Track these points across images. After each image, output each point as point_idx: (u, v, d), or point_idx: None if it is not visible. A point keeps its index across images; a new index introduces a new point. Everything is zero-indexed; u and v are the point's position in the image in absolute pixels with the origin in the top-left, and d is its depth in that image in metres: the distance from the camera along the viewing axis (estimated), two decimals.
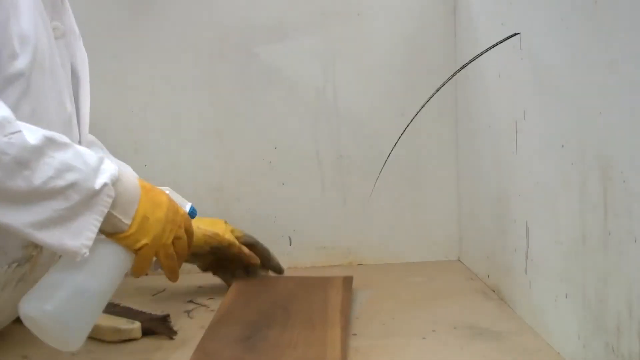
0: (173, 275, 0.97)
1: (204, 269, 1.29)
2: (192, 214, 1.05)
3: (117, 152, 1.38)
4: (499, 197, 1.19)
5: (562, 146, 0.92)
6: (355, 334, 1.05)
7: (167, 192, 1.00)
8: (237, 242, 1.24)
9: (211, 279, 1.36)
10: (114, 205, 0.85)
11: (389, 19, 1.42)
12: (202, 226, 1.21)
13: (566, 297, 0.93)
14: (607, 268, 0.82)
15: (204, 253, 1.23)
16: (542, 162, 1.00)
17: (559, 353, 0.96)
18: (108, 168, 0.86)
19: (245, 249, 1.25)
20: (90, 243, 0.83)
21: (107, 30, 1.38)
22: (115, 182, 0.86)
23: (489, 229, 1.26)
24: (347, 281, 1.23)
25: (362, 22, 1.42)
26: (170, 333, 1.06)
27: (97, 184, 0.83)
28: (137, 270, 0.92)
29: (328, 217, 1.45)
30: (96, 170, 0.84)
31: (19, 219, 0.79)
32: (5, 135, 0.78)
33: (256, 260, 1.26)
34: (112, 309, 1.12)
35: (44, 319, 0.83)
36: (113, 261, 0.89)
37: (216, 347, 0.98)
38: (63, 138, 0.84)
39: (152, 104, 1.41)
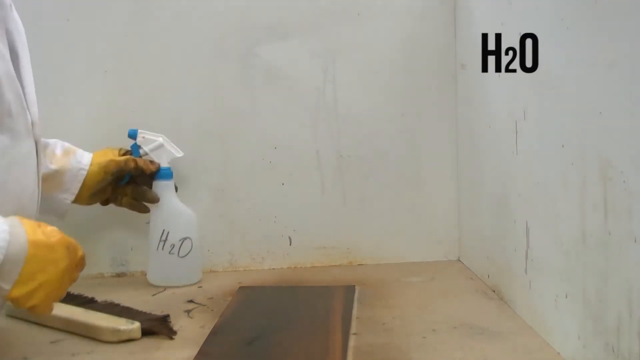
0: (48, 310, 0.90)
1: (105, 201, 1.32)
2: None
3: None
4: (499, 197, 1.19)
5: (562, 146, 0.92)
6: (355, 334, 1.05)
7: (161, 139, 1.27)
8: (130, 157, 1.28)
9: (211, 279, 1.36)
10: None
11: (389, 19, 1.42)
12: (96, 160, 1.25)
13: (566, 297, 0.93)
14: (607, 268, 0.82)
15: (106, 185, 1.27)
16: (542, 162, 1.00)
17: (559, 353, 0.96)
18: None
19: (140, 160, 1.28)
20: None
21: (108, 30, 1.38)
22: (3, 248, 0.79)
23: (489, 229, 1.26)
24: (349, 291, 1.24)
25: (362, 22, 1.42)
26: (170, 333, 1.06)
27: None
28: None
29: (328, 217, 1.45)
30: None
31: None
32: None
33: (153, 165, 1.30)
34: (112, 309, 1.12)
35: None
36: None
37: (218, 351, 0.98)
38: None
39: (152, 104, 1.41)
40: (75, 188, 1.23)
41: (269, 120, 1.43)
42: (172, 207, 1.30)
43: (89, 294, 1.20)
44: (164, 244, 1.30)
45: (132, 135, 1.32)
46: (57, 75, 1.37)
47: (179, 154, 1.33)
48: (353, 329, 1.07)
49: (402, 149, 1.45)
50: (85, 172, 1.24)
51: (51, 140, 1.23)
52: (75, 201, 1.25)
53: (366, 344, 1.01)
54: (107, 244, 1.43)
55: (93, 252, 1.41)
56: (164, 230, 1.30)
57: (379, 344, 1.01)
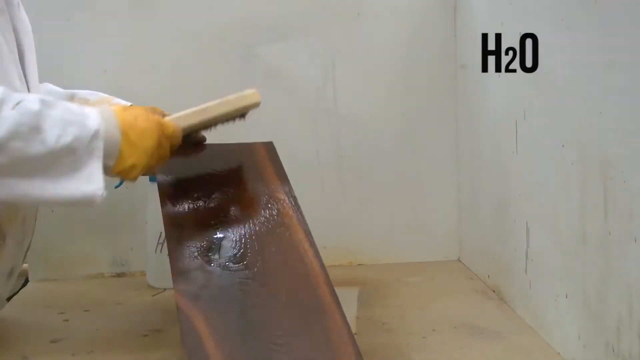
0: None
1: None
2: None
3: None
4: (499, 197, 1.19)
5: (562, 146, 0.92)
6: (355, 334, 1.05)
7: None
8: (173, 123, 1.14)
9: None
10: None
11: (389, 19, 1.42)
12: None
13: (566, 297, 0.93)
14: (607, 268, 0.82)
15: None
16: (542, 162, 1.00)
17: (559, 353, 0.96)
18: (91, 114, 0.87)
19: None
20: (102, 184, 0.85)
21: (108, 30, 1.38)
22: (102, 126, 0.86)
23: (489, 229, 1.26)
24: (269, 146, 1.17)
25: (362, 22, 1.42)
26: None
27: (90, 132, 0.85)
28: None
29: (328, 217, 1.45)
30: (85, 118, 0.86)
31: (45, 188, 0.82)
32: (13, 108, 0.79)
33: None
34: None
35: None
36: None
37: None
38: (47, 97, 0.85)
39: (152, 104, 1.40)
40: None
41: (269, 120, 1.42)
42: None
43: (88, 293, 1.20)
44: (161, 247, 1.29)
45: None
46: (57, 76, 1.37)
47: None
48: (353, 329, 1.07)
49: (402, 148, 1.45)
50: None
51: (81, 92, 1.19)
52: None
53: (366, 344, 1.01)
54: (107, 244, 1.42)
55: (93, 252, 1.41)
56: (160, 233, 1.30)
57: (379, 344, 1.01)
